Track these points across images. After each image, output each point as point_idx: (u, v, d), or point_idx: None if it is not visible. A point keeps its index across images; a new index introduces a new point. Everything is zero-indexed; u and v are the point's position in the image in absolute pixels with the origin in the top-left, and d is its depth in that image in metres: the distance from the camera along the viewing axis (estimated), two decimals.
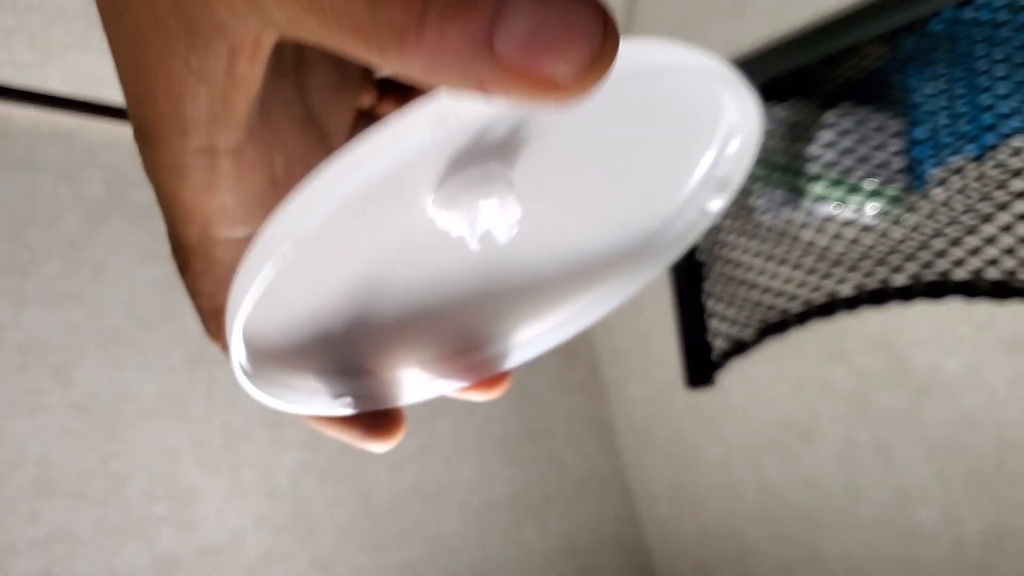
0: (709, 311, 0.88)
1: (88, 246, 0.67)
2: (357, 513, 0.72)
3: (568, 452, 0.88)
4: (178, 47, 0.12)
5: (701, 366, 0.86)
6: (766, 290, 0.83)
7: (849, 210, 0.77)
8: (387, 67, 0.11)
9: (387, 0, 0.11)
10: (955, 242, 0.73)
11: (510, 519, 0.81)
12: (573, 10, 0.11)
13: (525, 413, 0.87)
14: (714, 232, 0.89)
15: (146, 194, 0.71)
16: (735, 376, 0.87)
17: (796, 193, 0.80)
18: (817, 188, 0.79)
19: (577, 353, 0.94)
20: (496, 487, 0.81)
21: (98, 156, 0.69)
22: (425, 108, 0.12)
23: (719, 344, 0.87)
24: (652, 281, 0.93)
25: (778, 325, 0.82)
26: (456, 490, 0.79)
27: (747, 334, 0.84)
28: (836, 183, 0.78)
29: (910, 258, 0.76)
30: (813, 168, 0.79)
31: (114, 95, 0.68)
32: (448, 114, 0.12)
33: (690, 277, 0.89)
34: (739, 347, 0.85)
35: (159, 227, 0.72)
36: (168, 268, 0.70)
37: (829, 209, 0.79)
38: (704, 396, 0.88)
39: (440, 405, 0.80)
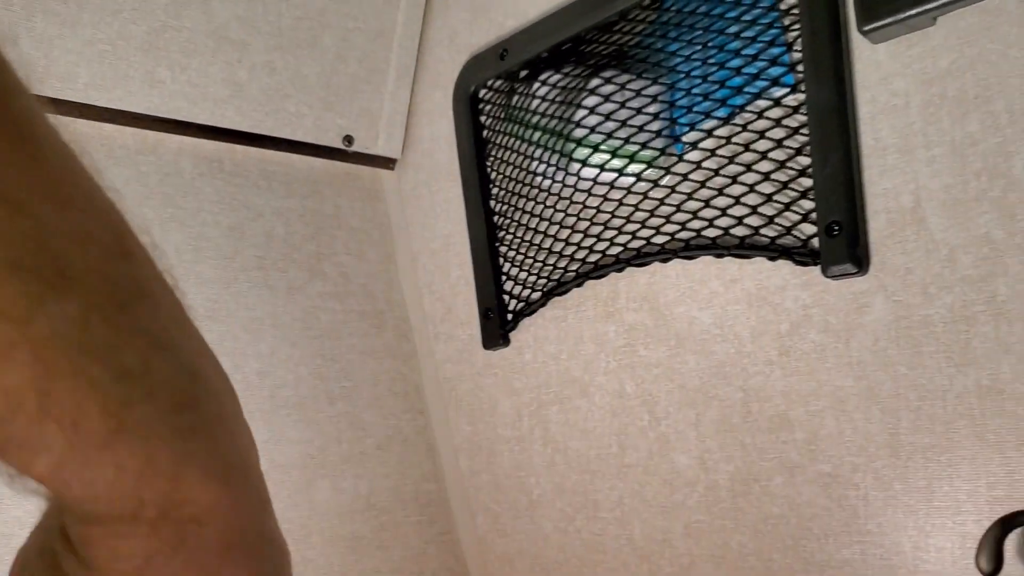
0: (505, 273, 0.91)
1: None
2: None
3: (369, 414, 0.91)
4: None
5: (496, 327, 0.89)
6: (550, 252, 0.86)
7: (612, 173, 0.80)
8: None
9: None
10: (706, 203, 0.77)
11: (301, 479, 0.84)
12: None
13: (324, 378, 0.89)
14: (510, 197, 0.92)
15: None
16: (527, 335, 0.90)
17: (566, 157, 0.83)
18: (583, 152, 0.81)
19: (386, 319, 0.96)
20: (286, 448, 0.84)
21: None
22: None
23: (513, 305, 0.90)
24: (458, 246, 0.95)
25: (559, 286, 0.85)
26: None
27: (535, 295, 0.87)
28: (599, 147, 0.81)
29: (668, 219, 0.79)
30: (579, 133, 0.81)
31: None
32: None
33: (488, 241, 0.92)
34: (529, 307, 0.88)
35: None
36: None
37: (595, 172, 0.81)
38: (500, 355, 0.92)
39: (227, 368, 0.82)
